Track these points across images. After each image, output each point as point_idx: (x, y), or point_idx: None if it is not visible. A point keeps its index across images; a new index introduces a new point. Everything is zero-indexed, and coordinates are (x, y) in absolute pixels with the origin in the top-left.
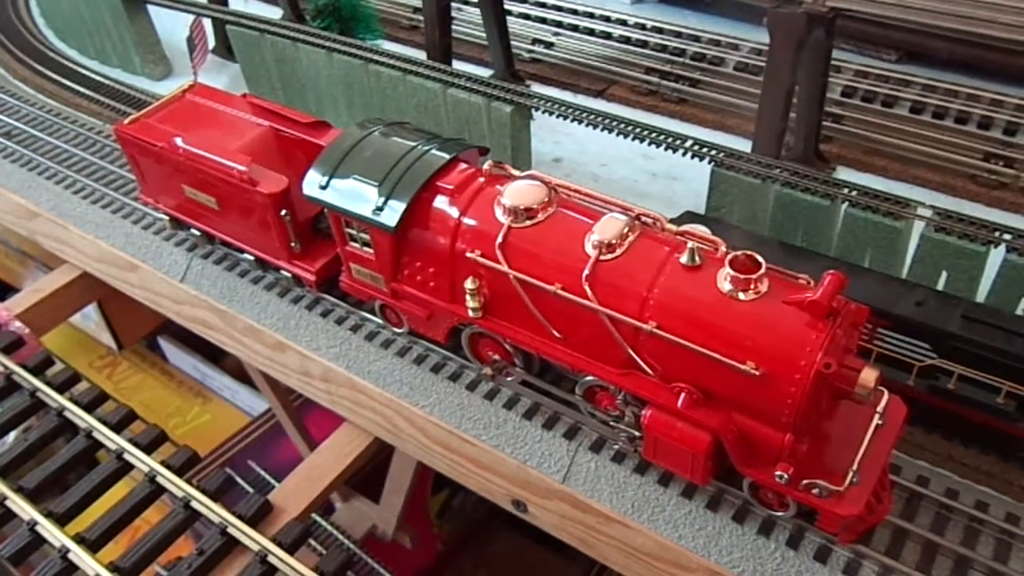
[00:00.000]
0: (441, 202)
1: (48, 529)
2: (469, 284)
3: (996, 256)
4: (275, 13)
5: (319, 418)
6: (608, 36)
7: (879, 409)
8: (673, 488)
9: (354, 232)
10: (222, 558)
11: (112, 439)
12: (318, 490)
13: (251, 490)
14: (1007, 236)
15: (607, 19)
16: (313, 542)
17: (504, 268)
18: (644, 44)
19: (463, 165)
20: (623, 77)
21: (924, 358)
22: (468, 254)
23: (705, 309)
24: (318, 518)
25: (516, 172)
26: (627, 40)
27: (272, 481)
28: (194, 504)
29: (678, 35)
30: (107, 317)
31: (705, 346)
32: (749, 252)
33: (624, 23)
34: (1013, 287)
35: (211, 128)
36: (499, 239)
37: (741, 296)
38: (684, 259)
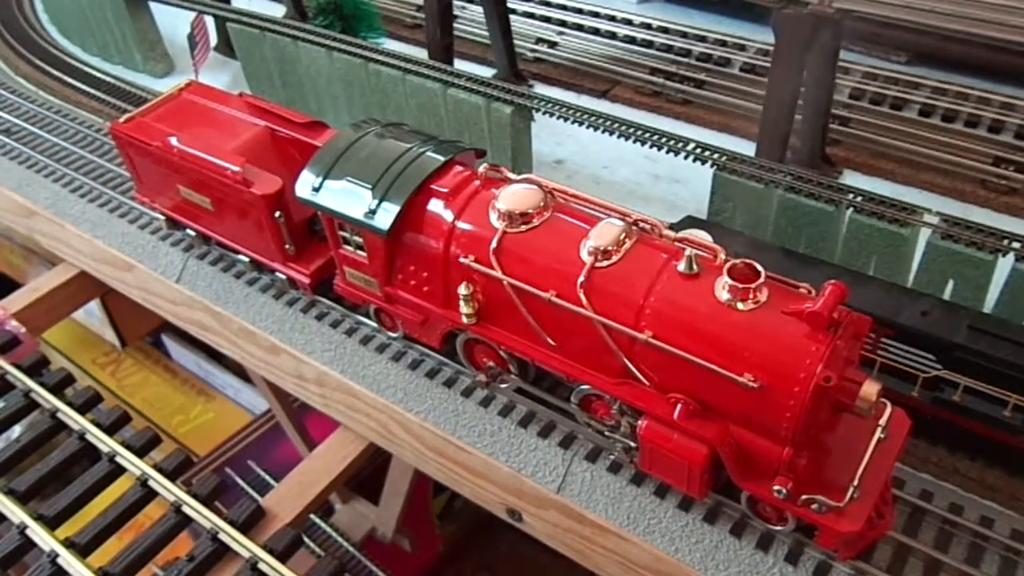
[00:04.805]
0: (435, 205)
1: (38, 533)
2: (463, 290)
3: (1004, 264)
4: (279, 10)
5: (319, 419)
6: (613, 36)
7: (881, 423)
8: (670, 500)
9: (348, 235)
10: (212, 564)
11: (104, 441)
12: (311, 496)
13: (249, 490)
14: (1016, 244)
15: (612, 18)
16: (311, 543)
17: (498, 274)
18: (649, 44)
19: (458, 168)
20: (627, 78)
21: (929, 369)
22: (462, 259)
23: (702, 319)
24: (317, 519)
25: (512, 175)
26: (632, 40)
27: (271, 481)
28: (185, 509)
29: (684, 35)
30: (110, 314)
31: (702, 357)
32: (748, 260)
33: (629, 23)
34: (1021, 297)
35: (206, 127)
36: (493, 244)
37: (739, 306)
38: (682, 267)
